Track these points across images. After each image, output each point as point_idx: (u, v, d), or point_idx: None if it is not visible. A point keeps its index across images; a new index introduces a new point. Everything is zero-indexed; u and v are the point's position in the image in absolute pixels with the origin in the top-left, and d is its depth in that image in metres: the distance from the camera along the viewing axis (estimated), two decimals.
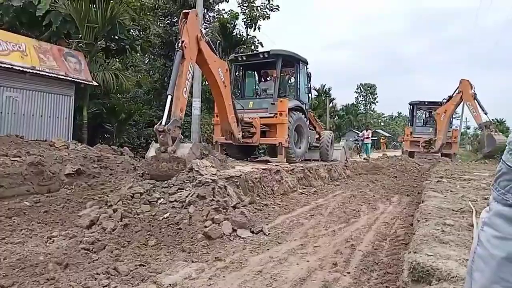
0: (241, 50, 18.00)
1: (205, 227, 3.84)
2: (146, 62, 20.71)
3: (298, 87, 9.76)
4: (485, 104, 13.93)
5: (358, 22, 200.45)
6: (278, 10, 19.86)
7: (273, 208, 5.58)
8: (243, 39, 19.25)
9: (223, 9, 20.43)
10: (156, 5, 17.80)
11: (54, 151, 7.44)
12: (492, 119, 14.28)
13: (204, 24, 18.47)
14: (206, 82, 11.84)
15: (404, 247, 3.54)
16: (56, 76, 9.91)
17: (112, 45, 14.00)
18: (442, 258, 2.15)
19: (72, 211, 4.74)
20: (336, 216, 5.22)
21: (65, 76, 10.14)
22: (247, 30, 19.91)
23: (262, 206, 5.53)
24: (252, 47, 19.29)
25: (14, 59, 9.04)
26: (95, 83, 11.22)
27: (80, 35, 11.71)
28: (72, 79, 10.37)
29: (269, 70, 10.09)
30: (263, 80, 10.46)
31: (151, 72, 19.61)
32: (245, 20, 19.59)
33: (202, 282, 2.76)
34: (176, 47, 5.77)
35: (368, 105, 73.79)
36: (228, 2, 19.97)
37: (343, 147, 12.42)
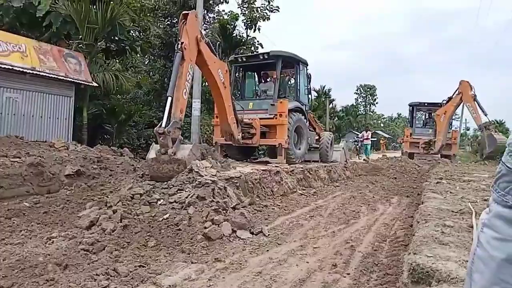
0: (241, 51, 18.01)
1: (205, 228, 3.83)
2: (146, 63, 20.71)
3: (298, 88, 9.77)
4: (485, 105, 13.93)
5: (358, 22, 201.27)
6: (278, 11, 19.90)
7: (272, 209, 5.58)
8: (243, 40, 19.27)
9: (223, 10, 20.47)
10: (156, 6, 17.81)
11: (54, 152, 7.43)
12: (492, 120, 14.24)
13: (204, 25, 18.47)
14: (206, 83, 11.85)
15: (403, 248, 3.53)
16: (56, 77, 9.91)
17: (112, 46, 14.00)
18: (442, 259, 2.15)
19: (71, 212, 4.74)
20: (336, 217, 5.22)
21: (65, 77, 10.14)
22: (247, 31, 19.95)
23: (262, 207, 5.52)
24: (252, 48, 19.30)
25: (14, 60, 9.04)
26: (95, 84, 11.22)
27: (80, 36, 11.71)
28: (72, 80, 10.37)
29: (269, 71, 10.10)
30: (263, 81, 10.47)
31: (151, 73, 19.62)
32: (245, 21, 19.61)
33: (202, 283, 2.75)
34: (176, 48, 5.78)
35: (368, 106, 73.79)
36: (228, 3, 19.96)
37: (343, 148, 12.43)
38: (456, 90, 14.70)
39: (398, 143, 39.24)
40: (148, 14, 16.88)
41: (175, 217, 4.02)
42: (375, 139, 37.24)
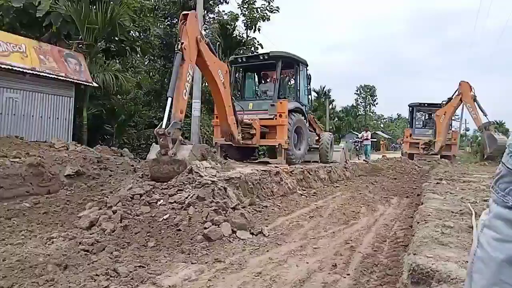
0: (241, 51, 18.03)
1: (205, 228, 3.83)
2: (146, 63, 20.72)
3: (298, 88, 9.78)
4: (485, 107, 13.93)
5: (358, 24, 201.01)
6: (278, 11, 19.93)
7: (272, 209, 5.58)
8: (243, 41, 19.30)
9: (223, 11, 20.52)
10: (156, 7, 17.85)
11: (54, 152, 7.43)
12: (492, 121, 14.24)
13: (204, 25, 18.48)
14: (206, 84, 11.85)
15: (403, 249, 3.53)
16: (56, 77, 9.91)
17: (112, 46, 14.00)
18: (442, 260, 2.15)
19: (71, 212, 4.73)
20: (336, 218, 5.22)
21: (65, 77, 10.14)
22: (247, 32, 19.99)
23: (262, 208, 5.52)
24: (252, 49, 19.34)
25: (14, 60, 9.04)
26: (95, 84, 11.22)
27: (80, 36, 11.70)
28: (72, 80, 10.37)
29: (269, 71, 10.11)
30: (263, 81, 10.48)
31: (151, 73, 19.63)
32: (245, 21, 19.65)
33: (202, 283, 2.75)
34: (175, 48, 5.78)
35: (368, 107, 73.85)
36: (228, 3, 20.02)
37: (343, 148, 12.44)
38: (456, 91, 14.71)
39: (398, 143, 39.28)
40: (148, 15, 16.88)
41: (175, 218, 4.02)
42: (375, 139, 37.24)
